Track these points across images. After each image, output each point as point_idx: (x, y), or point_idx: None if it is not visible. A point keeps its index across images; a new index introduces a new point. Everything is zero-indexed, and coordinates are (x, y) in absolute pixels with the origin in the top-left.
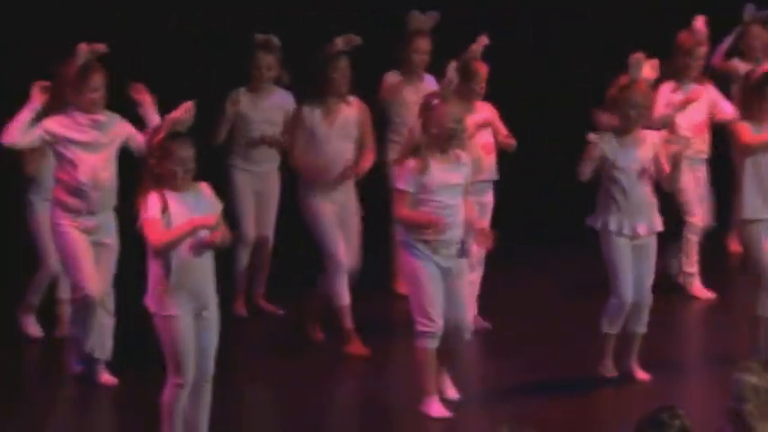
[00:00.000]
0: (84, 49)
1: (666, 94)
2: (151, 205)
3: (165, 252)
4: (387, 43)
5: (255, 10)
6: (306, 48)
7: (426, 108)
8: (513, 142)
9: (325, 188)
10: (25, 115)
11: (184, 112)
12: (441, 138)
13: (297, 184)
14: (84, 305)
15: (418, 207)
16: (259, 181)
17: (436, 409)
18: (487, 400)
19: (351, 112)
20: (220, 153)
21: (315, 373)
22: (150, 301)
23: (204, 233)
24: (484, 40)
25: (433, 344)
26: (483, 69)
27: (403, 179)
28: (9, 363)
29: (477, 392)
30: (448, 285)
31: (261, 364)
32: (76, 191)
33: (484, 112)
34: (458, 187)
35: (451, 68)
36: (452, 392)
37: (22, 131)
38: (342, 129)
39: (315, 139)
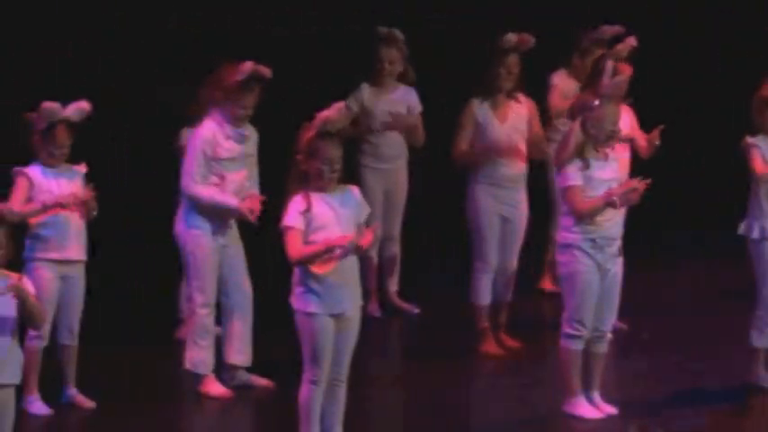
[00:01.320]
0: (248, 67)
1: None
2: (292, 210)
3: (299, 265)
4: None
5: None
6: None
7: (586, 108)
8: (656, 142)
9: (494, 185)
10: (199, 167)
11: (337, 111)
12: (599, 138)
13: (463, 178)
14: (201, 318)
15: None
16: (388, 179)
17: (583, 409)
18: (620, 402)
19: (521, 108)
20: (351, 152)
21: (450, 373)
22: (292, 298)
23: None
24: (631, 42)
25: (578, 345)
26: (627, 71)
27: (571, 176)
28: (159, 363)
29: (611, 393)
30: (603, 286)
31: (395, 364)
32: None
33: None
34: (612, 182)
35: (609, 70)
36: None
37: (199, 180)
38: (513, 125)
39: (486, 135)
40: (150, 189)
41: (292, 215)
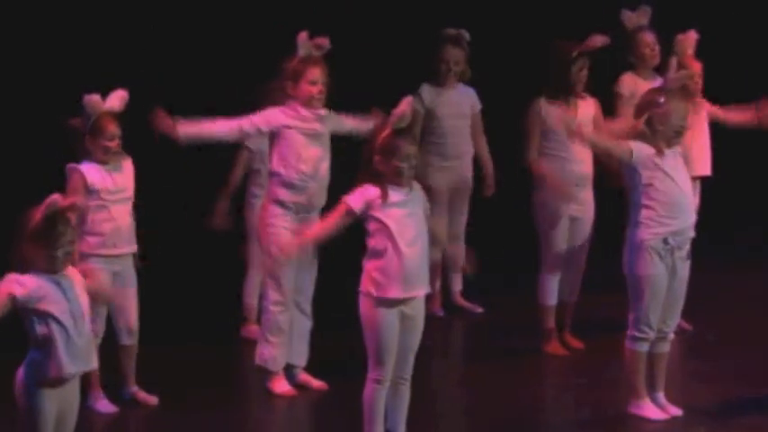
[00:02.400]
0: (303, 38)
1: None
2: (359, 193)
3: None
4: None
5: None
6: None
7: (652, 105)
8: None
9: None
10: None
11: (407, 105)
12: (667, 134)
13: (528, 177)
14: (274, 316)
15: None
16: (453, 177)
17: (648, 410)
18: (685, 404)
19: (588, 107)
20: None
21: (514, 373)
22: (360, 298)
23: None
24: (693, 35)
25: (644, 348)
26: (696, 66)
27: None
28: (225, 361)
29: (676, 395)
30: (670, 288)
31: (458, 364)
32: (296, 183)
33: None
34: (679, 172)
35: (673, 65)
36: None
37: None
38: (581, 122)
39: (556, 133)
40: (217, 183)
41: (357, 197)
